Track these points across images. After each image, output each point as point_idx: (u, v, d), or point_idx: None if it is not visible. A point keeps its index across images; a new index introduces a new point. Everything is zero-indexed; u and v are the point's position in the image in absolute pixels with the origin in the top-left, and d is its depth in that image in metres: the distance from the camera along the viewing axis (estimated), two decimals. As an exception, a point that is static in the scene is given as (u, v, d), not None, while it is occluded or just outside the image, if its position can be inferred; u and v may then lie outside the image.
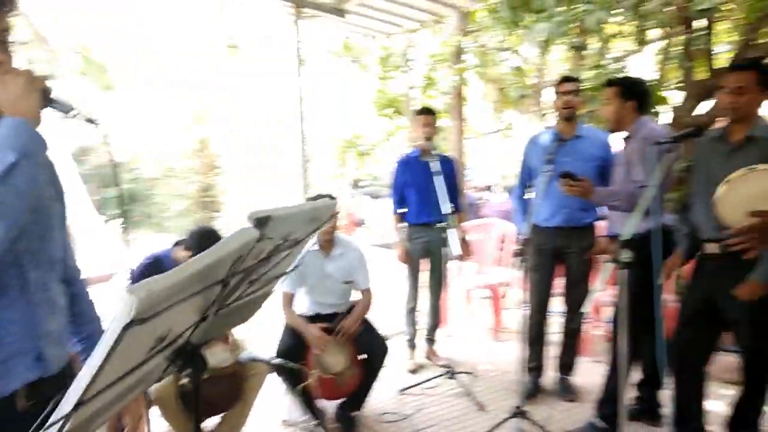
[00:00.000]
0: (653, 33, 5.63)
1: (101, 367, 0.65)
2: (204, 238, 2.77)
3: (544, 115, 7.94)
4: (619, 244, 2.28)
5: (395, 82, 8.78)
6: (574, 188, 2.89)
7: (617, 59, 6.08)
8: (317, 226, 1.09)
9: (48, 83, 1.13)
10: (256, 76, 11.12)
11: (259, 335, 3.62)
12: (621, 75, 4.94)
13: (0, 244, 1.02)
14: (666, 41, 6.00)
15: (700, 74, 5.50)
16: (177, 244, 2.93)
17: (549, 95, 9.16)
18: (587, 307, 2.29)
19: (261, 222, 0.68)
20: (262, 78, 11.08)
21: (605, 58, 5.80)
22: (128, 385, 0.79)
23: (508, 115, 10.04)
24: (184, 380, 2.77)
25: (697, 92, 5.36)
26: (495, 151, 12.34)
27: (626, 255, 2.26)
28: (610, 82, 3.08)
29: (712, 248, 2.54)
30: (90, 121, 1.16)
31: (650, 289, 2.67)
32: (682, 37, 5.11)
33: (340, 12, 4.23)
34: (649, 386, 3.02)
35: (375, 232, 10.39)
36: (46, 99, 1.13)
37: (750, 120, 2.45)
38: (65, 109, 1.15)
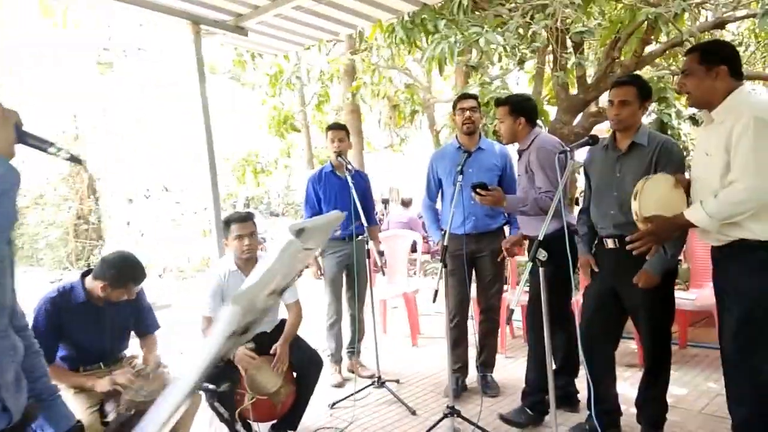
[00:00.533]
0: (526, 51, 6.19)
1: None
2: (116, 265, 2.62)
3: (437, 131, 8.40)
4: (536, 245, 2.51)
5: (287, 99, 8.79)
6: (486, 198, 3.11)
7: (498, 76, 6.60)
8: (327, 237, 1.13)
9: (20, 117, 1.07)
10: (149, 90, 10.58)
11: (179, 362, 3.45)
12: (505, 92, 5.39)
13: None
14: (539, 59, 6.62)
15: (572, 89, 6.14)
16: (85, 275, 2.73)
17: (439, 111, 9.69)
18: (514, 305, 2.46)
19: (299, 233, 0.72)
20: (157, 92, 10.58)
21: (488, 76, 6.29)
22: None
23: (402, 131, 10.48)
24: (109, 418, 2.60)
25: (571, 106, 5.96)
26: (389, 165, 12.71)
27: (543, 254, 2.50)
28: (500, 102, 3.39)
29: (610, 243, 2.86)
30: (73, 159, 1.14)
31: (562, 283, 2.94)
32: (552, 56, 5.69)
33: (241, 30, 4.19)
34: (566, 374, 3.30)
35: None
36: (20, 133, 1.07)
37: (633, 128, 2.81)
38: (43, 145, 1.10)
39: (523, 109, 3.26)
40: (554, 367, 3.37)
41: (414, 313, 4.97)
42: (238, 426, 2.83)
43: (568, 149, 2.77)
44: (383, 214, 10.67)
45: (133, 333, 2.95)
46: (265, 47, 4.85)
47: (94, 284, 2.64)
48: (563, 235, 2.65)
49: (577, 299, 3.57)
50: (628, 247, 2.40)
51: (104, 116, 10.47)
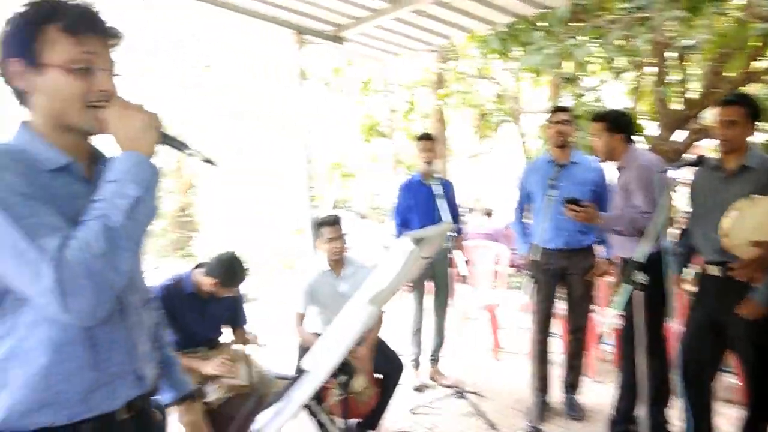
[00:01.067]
0: (624, 63, 5.97)
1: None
2: (229, 266, 2.82)
3: (525, 141, 8.26)
4: (633, 267, 2.43)
5: (377, 107, 8.98)
6: (579, 214, 3.05)
7: (593, 88, 6.42)
8: (438, 246, 1.18)
9: (161, 120, 1.16)
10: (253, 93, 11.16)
11: (271, 355, 3.64)
12: (599, 105, 5.24)
13: (124, 276, 1.06)
14: (639, 72, 6.37)
15: (673, 104, 5.86)
16: (197, 267, 2.96)
17: (527, 121, 9.54)
18: (606, 327, 2.41)
19: (418, 242, 0.78)
20: (260, 95, 11.14)
21: (581, 88, 6.13)
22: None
23: (488, 140, 10.39)
24: (210, 399, 2.79)
25: (672, 122, 5.70)
26: (472, 174, 12.63)
27: (642, 277, 2.42)
28: (597, 117, 3.30)
29: (713, 270, 2.72)
30: (207, 160, 1.18)
31: (657, 308, 2.83)
32: (655, 69, 5.46)
33: (340, 39, 4.36)
34: (657, 404, 3.16)
35: (362, 253, 10.45)
36: (161, 135, 1.16)
37: (742, 150, 2.66)
38: (180, 146, 1.17)
39: (620, 125, 3.16)
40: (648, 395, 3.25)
41: (496, 327, 4.92)
42: (323, 418, 2.94)
43: (670, 168, 2.67)
44: (464, 224, 10.59)
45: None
46: (360, 56, 5.01)
47: (204, 279, 2.85)
48: (660, 258, 2.55)
49: (673, 326, 3.41)
50: (730, 273, 2.28)
51: (208, 117, 11.14)
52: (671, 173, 2.69)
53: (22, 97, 1.17)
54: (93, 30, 1.13)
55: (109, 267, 1.02)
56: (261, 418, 0.90)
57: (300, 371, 3.01)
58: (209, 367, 2.79)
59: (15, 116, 1.20)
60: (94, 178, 1.22)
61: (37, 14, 1.11)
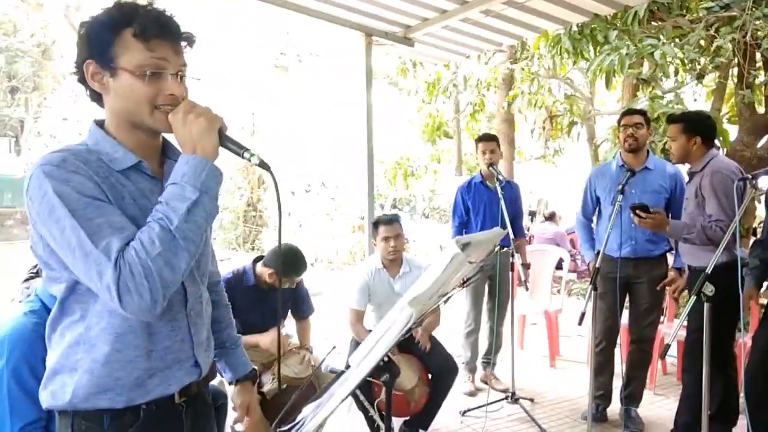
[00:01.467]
0: (706, 65, 5.65)
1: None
2: (286, 257, 2.92)
3: (596, 144, 7.99)
4: (702, 278, 2.32)
5: (442, 107, 8.94)
6: (646, 221, 2.93)
7: (672, 90, 6.11)
8: (488, 253, 1.18)
9: (224, 123, 1.20)
10: (322, 94, 11.42)
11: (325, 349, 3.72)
12: (679, 107, 4.98)
13: (182, 274, 1.12)
14: (721, 74, 6.01)
15: (758, 108, 5.49)
16: (257, 260, 3.08)
17: (600, 123, 9.21)
18: (671, 339, 2.30)
19: (464, 246, 0.78)
20: (328, 97, 11.38)
21: (660, 89, 5.85)
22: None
23: (557, 142, 10.12)
24: (265, 388, 2.90)
25: (755, 127, 5.34)
26: (539, 176, 12.35)
27: (710, 289, 2.30)
28: (673, 119, 3.14)
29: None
30: (263, 165, 1.19)
31: (726, 322, 2.68)
32: (737, 71, 5.13)
33: (408, 41, 4.38)
34: (721, 422, 3.00)
35: (422, 252, 10.48)
36: (222, 138, 1.18)
37: None
38: (239, 149, 1.19)
39: (699, 127, 3.01)
40: (708, 412, 3.09)
41: (554, 333, 4.81)
42: (375, 415, 2.98)
43: (749, 177, 2.51)
44: (526, 228, 10.37)
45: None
46: (429, 57, 5.02)
47: (263, 270, 2.96)
48: (732, 269, 2.41)
49: (744, 341, 3.22)
50: None
51: (278, 115, 11.48)
52: (759, 181, 2.54)
53: (96, 96, 1.24)
54: (164, 36, 1.17)
55: (166, 267, 1.08)
56: (305, 410, 0.93)
57: (348, 367, 3.05)
58: (266, 339, 2.89)
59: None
60: (164, 173, 1.29)
61: (113, 20, 1.17)
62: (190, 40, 1.24)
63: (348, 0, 3.70)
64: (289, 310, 3.25)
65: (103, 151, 1.21)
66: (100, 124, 1.25)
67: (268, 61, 12.30)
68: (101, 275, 1.06)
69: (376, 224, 3.34)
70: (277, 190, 1.21)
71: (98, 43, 1.17)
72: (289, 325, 3.32)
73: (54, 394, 1.21)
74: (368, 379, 2.83)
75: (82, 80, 1.21)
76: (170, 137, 1.27)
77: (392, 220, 3.31)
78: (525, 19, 3.96)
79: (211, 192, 1.14)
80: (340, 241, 10.85)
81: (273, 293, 3.03)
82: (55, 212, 1.08)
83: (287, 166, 10.79)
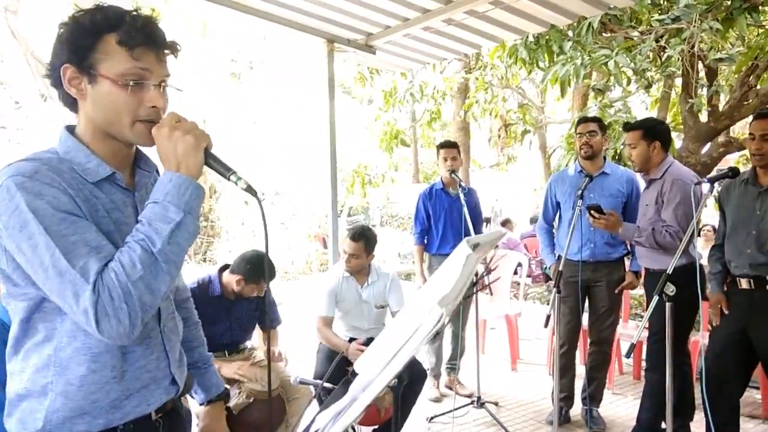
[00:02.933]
0: (655, 75, 5.92)
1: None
2: (254, 262, 2.84)
3: (548, 152, 8.25)
4: (664, 279, 2.41)
5: (399, 115, 9.01)
6: (600, 221, 3.03)
7: (620, 99, 6.37)
8: (491, 252, 1.18)
9: (211, 141, 1.13)
10: (275, 102, 11.27)
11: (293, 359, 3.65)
12: (626, 116, 5.20)
13: (161, 298, 1.07)
14: (666, 84, 6.32)
15: (701, 117, 5.79)
16: (223, 269, 2.99)
17: (551, 132, 9.51)
18: (636, 339, 2.38)
19: (475, 247, 0.78)
20: (282, 104, 11.23)
21: (608, 98, 6.08)
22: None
23: (510, 150, 10.39)
24: (231, 403, 2.80)
25: (699, 134, 5.62)
26: (493, 184, 12.61)
27: (671, 289, 2.40)
28: (632, 126, 3.26)
29: (744, 284, 2.69)
30: (249, 189, 1.13)
31: (683, 320, 2.79)
32: (682, 81, 5.41)
33: (370, 48, 4.39)
34: (680, 416, 3.11)
35: (379, 260, 10.46)
36: (208, 156, 1.12)
37: None
38: (225, 171, 1.12)
39: (657, 132, 3.13)
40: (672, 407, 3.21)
41: (515, 337, 4.89)
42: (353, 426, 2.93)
43: (705, 181, 2.64)
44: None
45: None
46: (390, 65, 5.04)
47: (230, 278, 2.88)
48: (689, 271, 2.52)
49: (697, 339, 3.36)
50: None
51: (231, 123, 11.27)
52: (705, 186, 2.67)
53: (70, 102, 1.16)
54: (150, 44, 1.11)
55: (146, 291, 1.02)
56: (320, 419, 0.89)
57: (353, 374, 2.99)
58: (228, 369, 2.80)
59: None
60: (136, 185, 1.24)
61: (96, 24, 1.10)
62: (174, 49, 1.18)
63: (310, 7, 3.68)
64: (256, 321, 3.16)
65: (75, 160, 1.13)
66: (70, 130, 1.18)
67: (221, 68, 12.07)
68: (77, 297, 1.00)
69: (347, 235, 3.33)
70: (263, 217, 1.14)
71: (78, 47, 1.10)
72: (255, 336, 3.23)
73: (23, 421, 1.12)
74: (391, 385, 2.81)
75: (57, 84, 1.14)
76: (147, 150, 1.22)
77: (356, 238, 3.24)
78: (485, 29, 4.04)
79: (194, 212, 1.09)
80: (297, 251, 10.72)
81: (240, 303, 2.95)
82: (27, 228, 1.01)
83: (240, 174, 10.59)
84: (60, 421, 1.11)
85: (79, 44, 1.10)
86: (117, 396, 1.14)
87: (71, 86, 1.12)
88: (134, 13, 1.13)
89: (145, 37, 1.11)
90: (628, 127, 3.30)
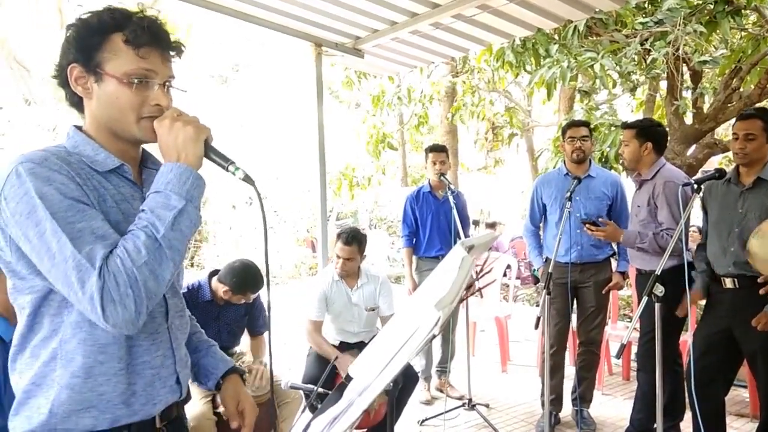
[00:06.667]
0: (640, 78, 5.99)
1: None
2: (240, 273, 2.82)
3: (535, 155, 8.29)
4: (653, 279, 2.43)
5: (386, 119, 9.02)
6: (599, 232, 3.06)
7: (606, 101, 6.43)
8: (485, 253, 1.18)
9: (211, 133, 1.16)
10: (262, 105, 11.22)
11: (281, 363, 3.64)
12: (612, 119, 5.25)
13: (165, 285, 1.07)
14: (651, 87, 6.38)
15: (686, 119, 5.85)
16: (212, 274, 2.97)
17: (538, 135, 9.57)
18: (626, 340, 2.40)
19: (470, 249, 0.78)
20: (269, 107, 11.18)
21: (594, 101, 6.14)
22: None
23: (498, 153, 10.44)
24: (220, 409, 2.78)
25: (685, 136, 5.68)
26: (481, 186, 12.66)
27: (660, 290, 2.42)
28: (628, 125, 3.30)
29: (728, 282, 2.72)
30: (247, 179, 1.14)
31: (674, 321, 2.82)
32: (667, 84, 5.46)
33: (358, 52, 4.39)
34: (670, 417, 3.14)
35: (368, 262, 10.45)
36: (208, 148, 1.15)
37: (759, 163, 2.67)
38: (224, 162, 1.15)
39: (650, 134, 3.15)
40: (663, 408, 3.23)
41: (505, 339, 4.90)
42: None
43: (693, 182, 2.67)
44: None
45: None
46: (378, 68, 5.04)
47: (217, 286, 2.86)
48: (679, 271, 2.55)
49: (685, 339, 3.39)
50: (761, 292, 2.28)
51: (217, 127, 11.19)
52: (697, 188, 2.69)
53: (76, 101, 1.19)
54: (155, 44, 1.14)
55: (151, 277, 1.03)
56: (316, 424, 0.88)
57: (348, 378, 2.97)
58: None
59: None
60: (144, 182, 1.25)
61: (103, 24, 1.12)
62: (179, 50, 1.21)
63: (298, 10, 3.67)
64: (244, 326, 3.14)
65: (84, 153, 1.16)
66: (78, 128, 1.20)
67: (206, 72, 12.02)
68: (83, 283, 1.00)
69: (338, 236, 3.33)
70: (261, 206, 1.17)
71: (85, 47, 1.12)
72: (243, 341, 3.21)
73: (29, 417, 1.11)
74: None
75: (64, 84, 1.16)
76: (150, 148, 1.23)
77: (349, 242, 3.25)
78: (472, 33, 4.05)
79: (195, 201, 1.11)
80: (285, 255, 10.67)
81: (229, 309, 2.94)
82: (35, 214, 1.02)
83: (228, 178, 10.54)
84: (65, 415, 1.10)
85: (87, 43, 1.13)
86: (123, 390, 1.14)
87: (78, 85, 1.15)
88: (140, 14, 1.15)
89: (151, 37, 1.13)
90: (624, 125, 3.36)
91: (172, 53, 1.19)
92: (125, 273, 1.01)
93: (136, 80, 1.12)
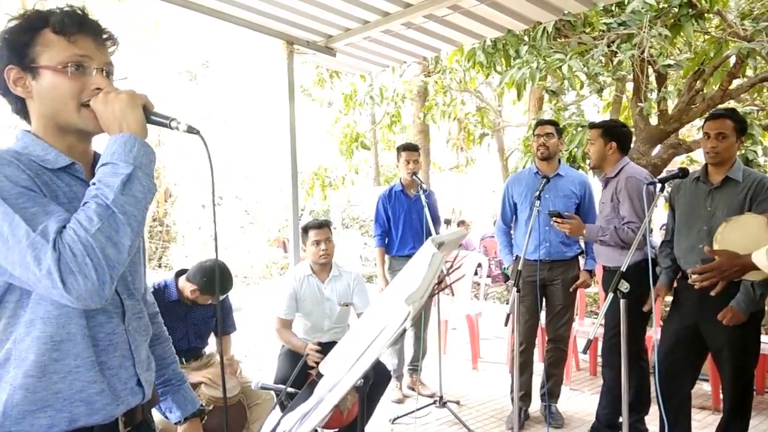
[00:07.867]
0: (607, 79, 6.11)
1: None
2: (209, 273, 2.78)
3: (506, 154, 8.41)
4: (618, 276, 2.48)
5: (358, 118, 9.02)
6: (564, 225, 3.11)
7: (574, 102, 6.54)
8: (455, 250, 1.19)
9: (149, 100, 1.15)
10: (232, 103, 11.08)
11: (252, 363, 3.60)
12: (579, 119, 5.35)
13: (126, 251, 1.04)
14: (618, 88, 6.52)
15: (651, 120, 6.00)
16: (179, 274, 2.92)
17: (508, 135, 9.69)
18: (592, 335, 2.44)
19: (440, 246, 0.79)
20: (239, 105, 11.04)
21: (563, 102, 6.25)
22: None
23: (469, 153, 10.53)
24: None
25: (650, 137, 5.82)
26: (453, 186, 12.74)
27: (625, 286, 2.47)
28: (594, 125, 3.39)
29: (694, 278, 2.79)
30: (191, 130, 1.15)
31: (639, 317, 2.88)
32: (633, 85, 5.59)
33: (330, 50, 4.38)
34: (636, 411, 3.21)
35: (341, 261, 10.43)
36: (147, 113, 1.14)
37: (728, 162, 2.75)
38: (165, 120, 1.14)
39: (615, 134, 3.25)
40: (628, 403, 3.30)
41: (476, 336, 4.95)
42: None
43: (657, 181, 2.73)
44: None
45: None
46: (350, 67, 5.03)
47: (185, 285, 2.81)
48: (643, 267, 2.60)
49: (650, 335, 3.47)
50: (692, 280, 2.32)
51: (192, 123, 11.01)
52: (661, 186, 2.76)
53: (20, 106, 1.18)
54: (85, 30, 1.15)
55: (108, 243, 1.00)
56: (286, 422, 0.88)
57: (319, 375, 2.95)
58: (198, 375, 2.75)
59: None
60: None
61: (30, 21, 1.14)
62: (112, 37, 1.20)
63: (270, 8, 3.64)
64: (212, 327, 3.10)
65: (34, 153, 1.14)
66: (27, 131, 1.19)
67: (174, 68, 11.81)
68: (39, 260, 0.97)
69: (305, 229, 3.33)
70: (209, 158, 1.16)
71: (18, 46, 1.13)
72: (210, 342, 3.17)
73: None
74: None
75: (5, 91, 1.16)
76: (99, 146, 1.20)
77: (322, 225, 3.34)
78: (444, 33, 4.08)
79: (145, 168, 1.09)
80: (256, 255, 10.57)
81: (196, 309, 2.89)
82: None
83: (197, 177, 10.40)
84: (20, 416, 1.07)
85: (18, 43, 1.13)
86: (81, 388, 1.12)
87: (17, 86, 1.14)
88: (66, 6, 1.16)
89: (79, 25, 1.14)
90: (591, 125, 3.46)
91: (106, 40, 1.19)
92: (80, 242, 0.98)
93: (72, 66, 1.12)
